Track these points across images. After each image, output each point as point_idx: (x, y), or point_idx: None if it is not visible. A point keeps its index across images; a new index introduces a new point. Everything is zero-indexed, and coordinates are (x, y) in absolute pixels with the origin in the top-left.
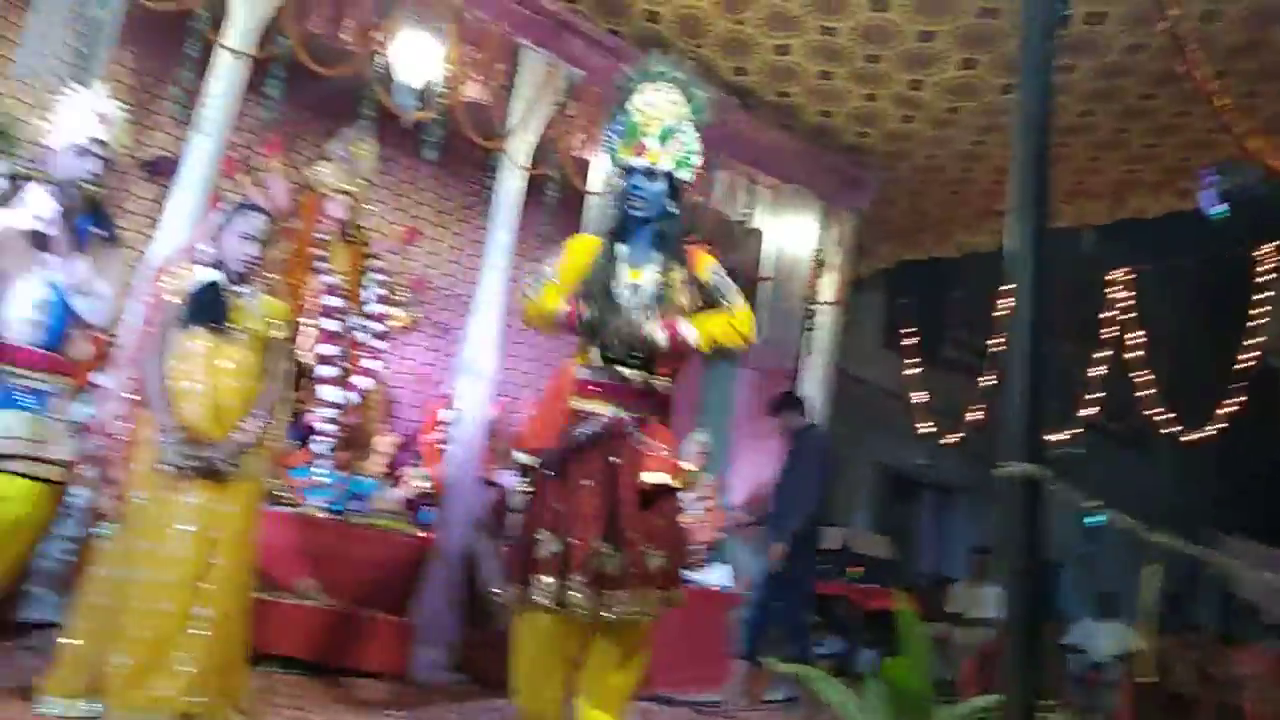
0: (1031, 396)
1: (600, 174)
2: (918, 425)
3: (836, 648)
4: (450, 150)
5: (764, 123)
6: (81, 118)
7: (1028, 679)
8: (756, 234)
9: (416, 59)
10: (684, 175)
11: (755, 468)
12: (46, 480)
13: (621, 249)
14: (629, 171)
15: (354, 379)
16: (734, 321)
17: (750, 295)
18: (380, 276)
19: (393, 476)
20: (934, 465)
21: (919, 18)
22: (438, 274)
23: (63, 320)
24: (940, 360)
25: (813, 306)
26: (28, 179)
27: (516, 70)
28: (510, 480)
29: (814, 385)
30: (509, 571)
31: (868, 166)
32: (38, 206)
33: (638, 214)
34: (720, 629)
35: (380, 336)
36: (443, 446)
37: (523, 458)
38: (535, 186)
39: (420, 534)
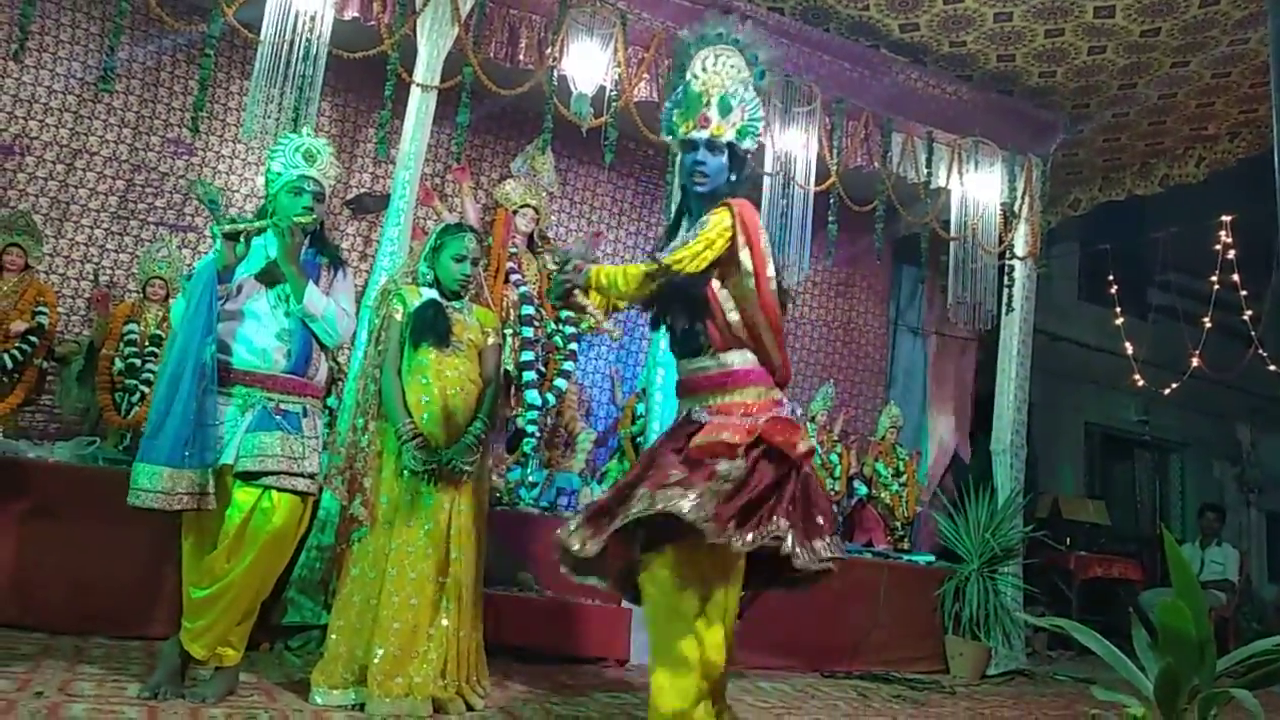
0: None
1: (771, 154)
2: (1130, 379)
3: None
4: (625, 152)
5: (938, 77)
6: (291, 160)
7: None
8: (942, 193)
9: (589, 67)
10: (747, 144)
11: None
12: (302, 493)
13: (685, 226)
14: (691, 146)
15: (553, 381)
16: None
17: (941, 257)
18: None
19: (594, 471)
20: (1149, 421)
21: None
22: None
23: (305, 345)
24: (1149, 308)
25: (1007, 263)
26: (256, 230)
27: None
28: None
29: (1013, 345)
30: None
31: (1054, 108)
32: (268, 249)
33: (700, 190)
34: (928, 605)
35: (572, 339)
36: (639, 439)
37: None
38: None
39: None
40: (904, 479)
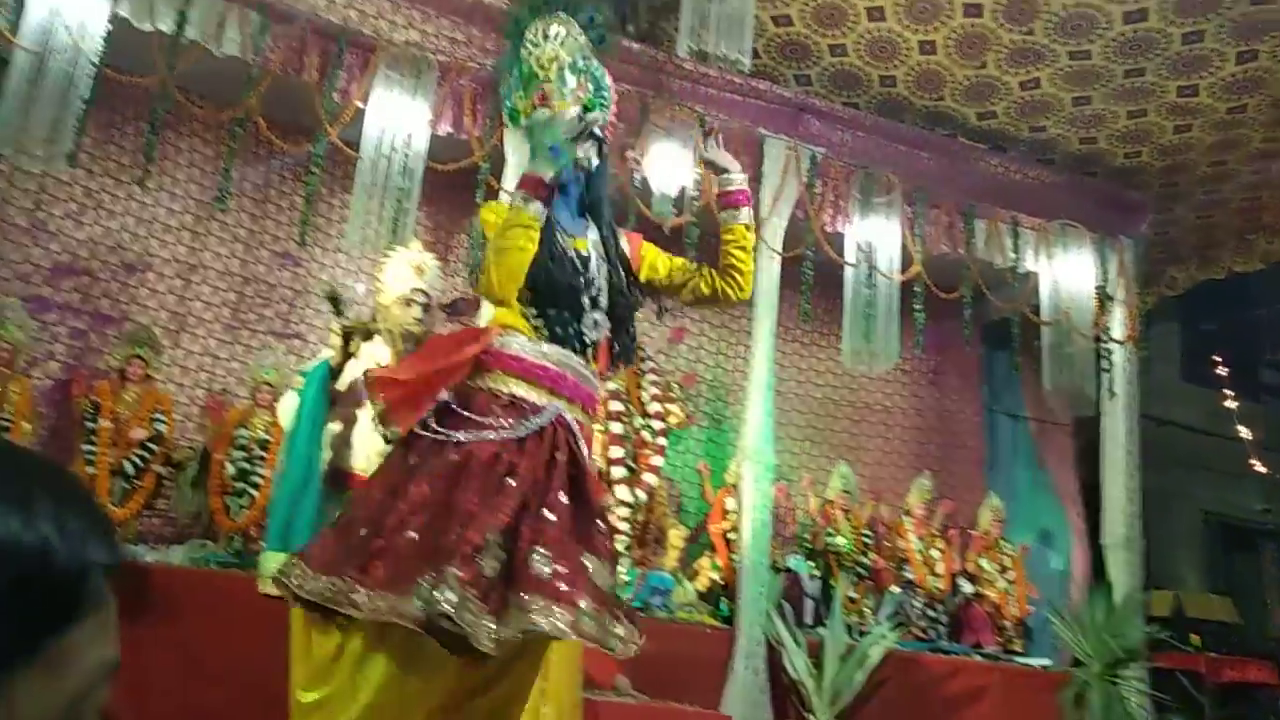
0: None
1: (853, 246)
2: (1248, 465)
3: None
4: (707, 249)
5: (1019, 162)
6: (402, 273)
7: None
8: (1031, 277)
9: (669, 168)
10: (598, 117)
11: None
12: None
13: (557, 220)
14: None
15: (642, 477)
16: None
17: (1034, 341)
18: (654, 377)
19: (687, 569)
20: (1271, 509)
21: (1181, 20)
22: (705, 368)
23: None
24: (1261, 388)
25: (1104, 346)
26: (367, 334)
27: (762, 159)
28: (800, 565)
29: (1119, 432)
30: None
31: (1142, 188)
32: (377, 354)
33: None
34: (1047, 711)
35: (660, 434)
36: (731, 535)
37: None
38: (789, 269)
39: (720, 625)
40: (1011, 575)
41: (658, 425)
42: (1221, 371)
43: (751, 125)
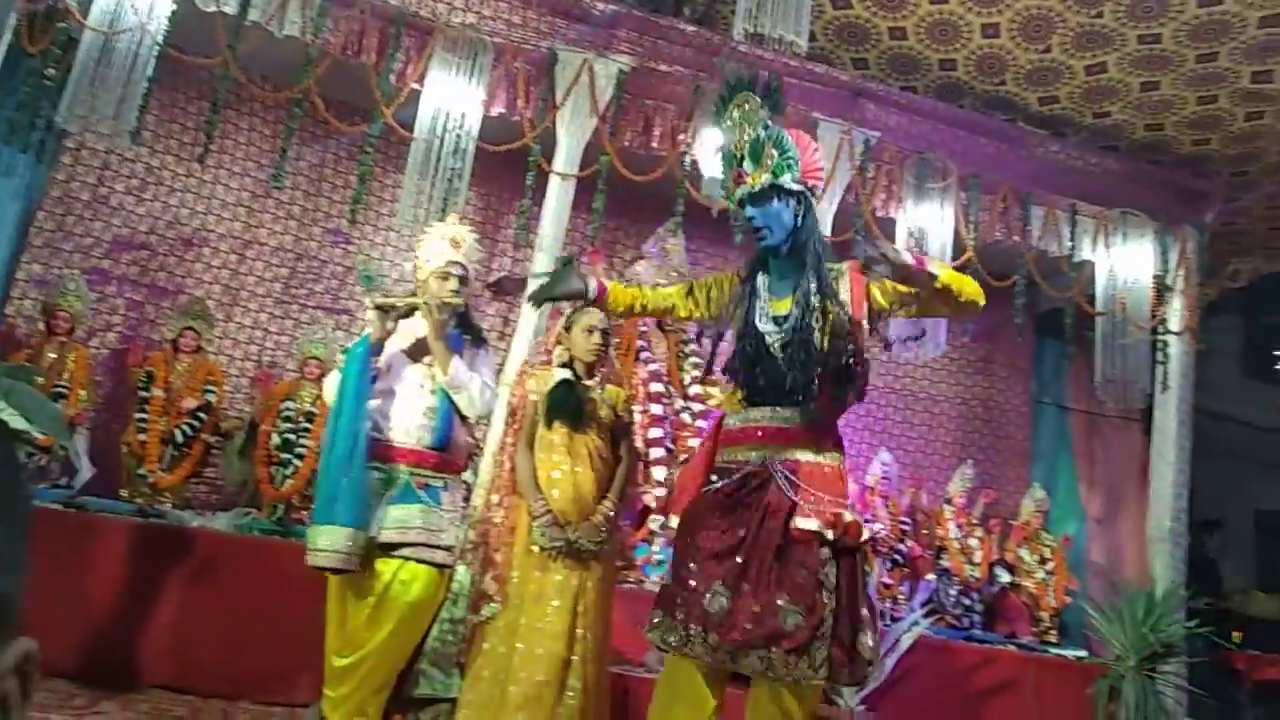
0: None
1: (904, 231)
2: None
3: None
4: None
5: (1081, 149)
6: (439, 246)
7: None
8: (1085, 266)
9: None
10: (787, 180)
11: (1110, 527)
12: (440, 565)
13: (761, 281)
14: (741, 205)
15: (680, 458)
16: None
17: (1087, 332)
18: (696, 359)
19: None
20: None
21: (1260, 2)
22: None
23: (448, 422)
24: None
25: (1160, 338)
26: (406, 306)
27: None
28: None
29: (1169, 426)
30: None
31: (1209, 176)
32: (415, 327)
33: (768, 243)
34: (1079, 704)
35: (700, 415)
36: None
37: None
38: (837, 254)
39: None
40: (1050, 566)
41: (697, 407)
42: None
43: (806, 109)
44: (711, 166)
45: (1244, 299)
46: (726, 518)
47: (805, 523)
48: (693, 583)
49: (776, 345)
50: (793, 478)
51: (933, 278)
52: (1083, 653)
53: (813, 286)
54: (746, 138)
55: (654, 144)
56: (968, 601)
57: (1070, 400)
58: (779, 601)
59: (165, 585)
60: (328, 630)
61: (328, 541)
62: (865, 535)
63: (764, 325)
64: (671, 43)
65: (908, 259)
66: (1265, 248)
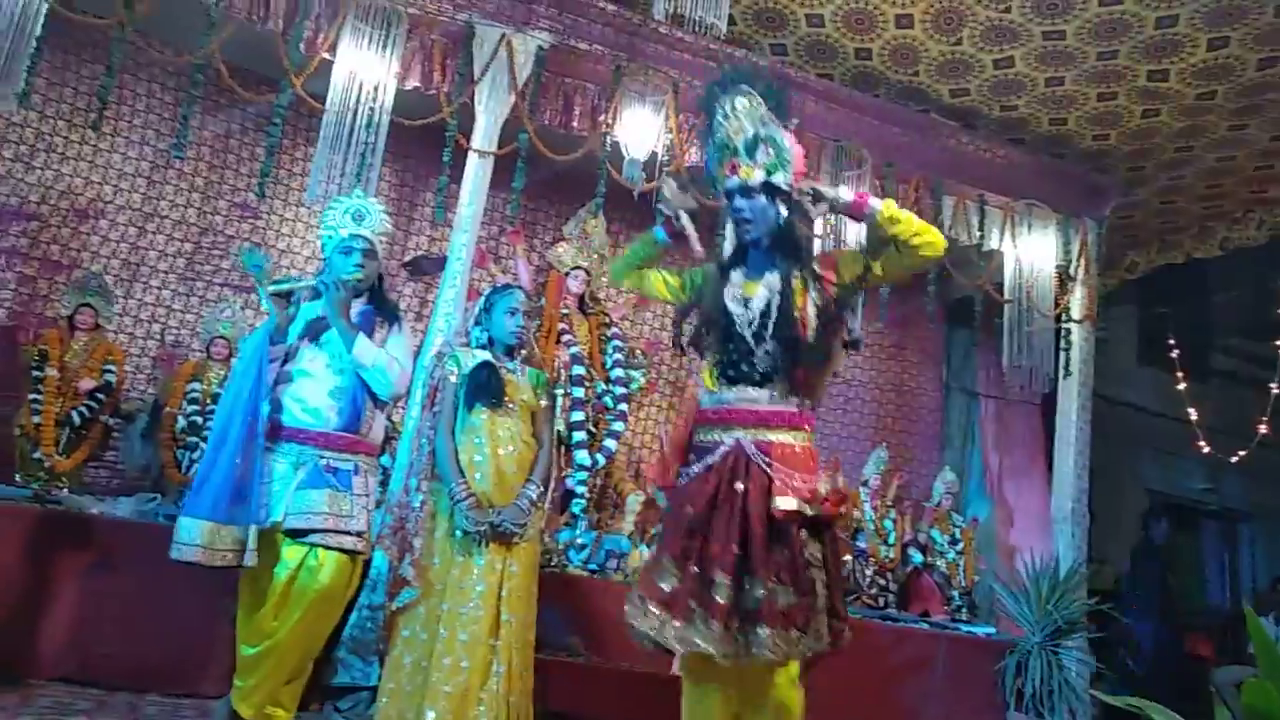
0: None
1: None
2: (1195, 446)
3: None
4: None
5: (990, 140)
6: (341, 220)
7: None
8: (994, 256)
9: (641, 133)
10: (779, 179)
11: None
12: (351, 551)
13: (736, 271)
14: (729, 195)
15: (602, 442)
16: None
17: (994, 320)
18: (618, 343)
19: (644, 533)
20: (1216, 490)
21: (1157, 3)
22: (668, 335)
23: (357, 403)
24: (1212, 372)
25: (1063, 326)
26: (304, 288)
27: None
28: None
29: (1071, 410)
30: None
31: (1108, 171)
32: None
33: (752, 235)
34: (988, 679)
35: (622, 399)
36: None
37: (660, 497)
38: None
39: None
40: (961, 546)
41: (619, 391)
42: (1174, 355)
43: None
44: (634, 147)
45: (1139, 290)
46: (708, 503)
47: (785, 502)
48: (681, 572)
49: (744, 325)
50: (766, 458)
51: (875, 212)
52: (991, 630)
53: (789, 271)
54: (745, 131)
55: (574, 124)
56: (883, 582)
57: (979, 386)
58: (771, 583)
59: (65, 574)
60: (238, 619)
61: (188, 535)
62: (844, 505)
63: (734, 306)
64: (591, 21)
65: (847, 196)
66: (1159, 241)
